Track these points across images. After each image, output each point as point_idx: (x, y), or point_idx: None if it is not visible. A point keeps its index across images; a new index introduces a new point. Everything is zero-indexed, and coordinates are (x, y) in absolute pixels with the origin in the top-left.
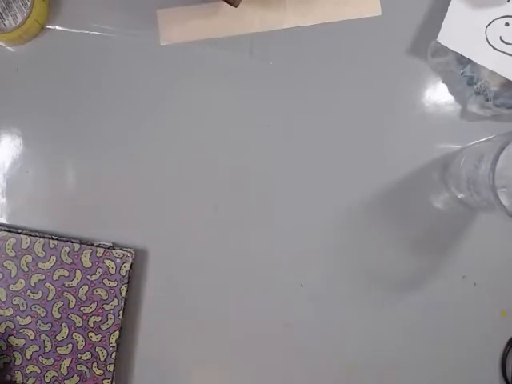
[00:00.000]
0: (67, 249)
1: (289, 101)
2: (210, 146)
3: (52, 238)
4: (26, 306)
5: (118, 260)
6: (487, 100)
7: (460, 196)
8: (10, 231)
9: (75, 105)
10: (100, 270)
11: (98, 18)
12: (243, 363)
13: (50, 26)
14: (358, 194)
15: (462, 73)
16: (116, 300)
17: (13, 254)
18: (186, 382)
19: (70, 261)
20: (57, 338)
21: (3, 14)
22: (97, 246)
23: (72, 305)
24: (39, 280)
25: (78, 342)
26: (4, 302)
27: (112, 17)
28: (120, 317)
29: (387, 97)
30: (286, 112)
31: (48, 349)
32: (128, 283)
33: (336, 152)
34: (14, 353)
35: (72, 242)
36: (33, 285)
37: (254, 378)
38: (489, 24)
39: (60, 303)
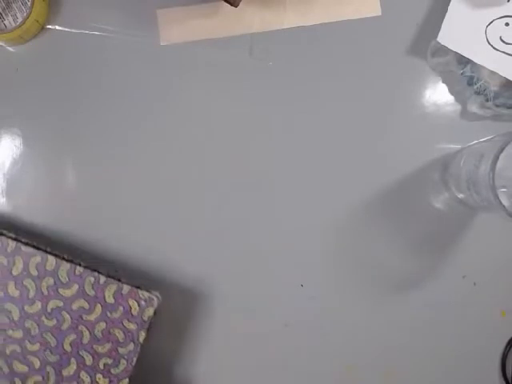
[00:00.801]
0: (92, 279)
1: (289, 101)
2: (210, 146)
3: (79, 265)
4: (37, 331)
5: (143, 302)
6: (487, 100)
7: (460, 196)
8: (37, 248)
9: (75, 105)
10: (122, 308)
11: (97, 18)
12: (243, 363)
13: (50, 26)
14: (358, 193)
15: (462, 73)
16: (132, 344)
17: (35, 273)
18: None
19: (92, 293)
20: (62, 372)
21: (3, 14)
22: (123, 283)
23: (85, 340)
24: (57, 307)
25: (83, 382)
26: (16, 322)
27: (112, 17)
28: (133, 363)
29: (387, 97)
30: (285, 112)
31: (51, 382)
32: (148, 329)
33: (336, 152)
34: (16, 379)
35: (99, 273)
36: (49, 310)
37: (253, 377)
38: (489, 24)
39: (73, 336)
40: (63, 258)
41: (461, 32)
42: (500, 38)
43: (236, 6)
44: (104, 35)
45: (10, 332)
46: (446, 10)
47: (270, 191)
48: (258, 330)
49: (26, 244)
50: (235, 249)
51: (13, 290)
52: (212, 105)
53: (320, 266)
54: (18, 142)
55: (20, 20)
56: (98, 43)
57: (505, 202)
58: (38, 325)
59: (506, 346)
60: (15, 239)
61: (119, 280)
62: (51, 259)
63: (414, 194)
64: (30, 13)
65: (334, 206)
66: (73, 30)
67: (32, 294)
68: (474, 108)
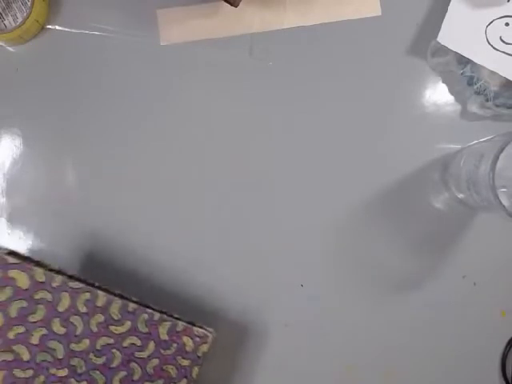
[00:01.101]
0: (146, 316)
1: (289, 101)
2: (210, 146)
3: (132, 301)
4: (84, 369)
5: (198, 339)
6: (487, 100)
7: (460, 196)
8: (86, 283)
9: (75, 105)
10: (176, 345)
11: (98, 18)
12: (243, 363)
13: (50, 26)
14: (358, 194)
15: (462, 73)
16: (185, 380)
17: (84, 309)
18: None
19: (145, 330)
20: None
21: (3, 14)
22: (177, 319)
23: (136, 377)
24: (107, 344)
25: None
26: (60, 360)
27: (112, 17)
28: None
29: (387, 97)
30: (285, 112)
31: None
32: (201, 365)
33: (336, 152)
34: None
35: (153, 309)
36: (98, 348)
37: (253, 377)
38: (489, 24)
39: (123, 373)
40: (114, 294)
41: (461, 32)
42: (500, 38)
43: (236, 6)
44: (104, 35)
45: (54, 370)
46: (446, 10)
47: (270, 191)
48: (257, 330)
49: (71, 277)
50: (235, 249)
51: (58, 328)
52: (212, 105)
53: (320, 266)
54: (18, 142)
55: (20, 20)
56: (98, 43)
57: (505, 201)
58: (85, 362)
59: (506, 346)
60: (59, 272)
61: (171, 316)
62: (102, 296)
63: (414, 194)
64: (30, 13)
65: (334, 206)
66: (73, 30)
67: (79, 330)
68: (474, 108)
